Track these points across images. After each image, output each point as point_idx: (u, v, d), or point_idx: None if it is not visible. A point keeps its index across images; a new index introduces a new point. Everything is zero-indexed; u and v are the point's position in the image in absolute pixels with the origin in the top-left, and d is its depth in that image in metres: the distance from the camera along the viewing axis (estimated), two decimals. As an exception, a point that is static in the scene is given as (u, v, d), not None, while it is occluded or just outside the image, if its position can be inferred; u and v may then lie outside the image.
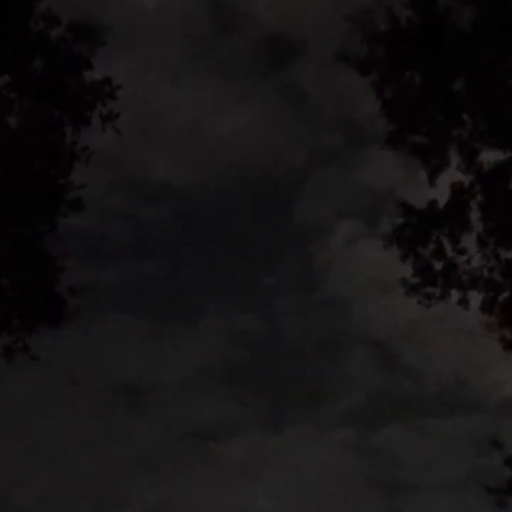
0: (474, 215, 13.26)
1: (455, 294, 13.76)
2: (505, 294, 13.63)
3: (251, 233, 28.32)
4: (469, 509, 23.82)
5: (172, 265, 27.73)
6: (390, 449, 26.86)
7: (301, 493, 26.13)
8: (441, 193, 13.55)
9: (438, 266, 13.72)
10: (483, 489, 13.34)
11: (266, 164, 25.60)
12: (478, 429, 24.62)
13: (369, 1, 13.36)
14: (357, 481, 26.63)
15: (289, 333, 28.53)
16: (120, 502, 25.93)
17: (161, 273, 27.60)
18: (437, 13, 12.96)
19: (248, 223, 28.24)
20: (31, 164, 11.41)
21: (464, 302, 13.72)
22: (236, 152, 26.00)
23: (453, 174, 13.35)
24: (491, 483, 13.47)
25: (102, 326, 25.76)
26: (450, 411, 26.98)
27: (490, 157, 13.14)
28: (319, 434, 26.94)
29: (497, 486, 13.21)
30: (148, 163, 26.97)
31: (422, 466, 27.19)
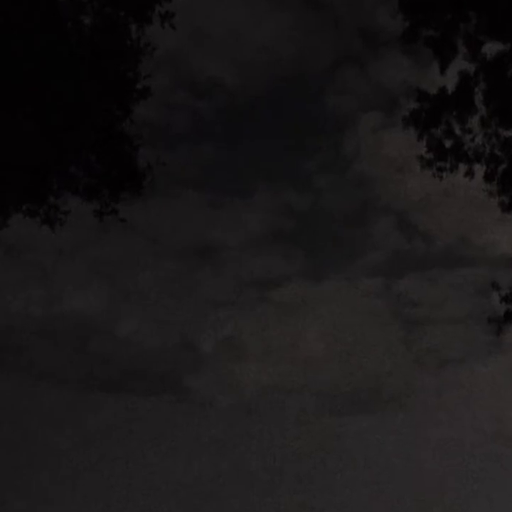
0: (478, 99, 15.31)
1: (462, 168, 15.73)
2: (504, 166, 15.64)
3: (287, 125, 33.02)
4: (471, 337, 28.12)
5: (226, 148, 32.02)
6: (407, 293, 32.24)
7: (338, 328, 30.48)
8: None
9: (448, 144, 15.62)
10: (483, 322, 15.65)
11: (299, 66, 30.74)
12: (478, 278, 29.29)
13: None
14: (382, 318, 31.57)
15: (326, 205, 33.16)
16: (203, 328, 32.90)
17: (217, 156, 34.85)
18: None
19: (284, 116, 32.90)
20: (104, 59, 12.82)
21: (470, 173, 15.64)
22: (274, 54, 30.82)
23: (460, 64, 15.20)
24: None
25: (172, 199, 30.67)
26: (454, 264, 32.01)
27: (492, 48, 15.02)
28: (351, 283, 35.80)
29: (496, 317, 15.49)
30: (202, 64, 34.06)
31: (433, 306, 31.97)
